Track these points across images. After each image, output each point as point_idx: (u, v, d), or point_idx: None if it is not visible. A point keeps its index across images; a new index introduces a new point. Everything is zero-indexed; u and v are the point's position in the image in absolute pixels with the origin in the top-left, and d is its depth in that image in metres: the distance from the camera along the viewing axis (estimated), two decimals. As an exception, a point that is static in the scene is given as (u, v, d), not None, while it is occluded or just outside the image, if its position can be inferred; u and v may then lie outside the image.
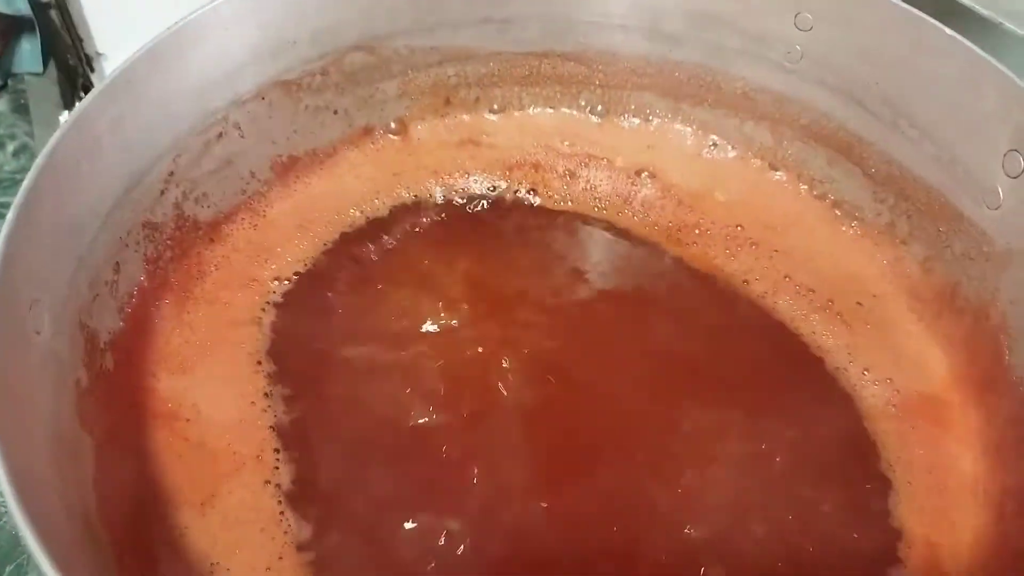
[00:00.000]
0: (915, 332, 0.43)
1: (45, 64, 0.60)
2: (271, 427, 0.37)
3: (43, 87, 0.61)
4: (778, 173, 0.49)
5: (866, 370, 0.42)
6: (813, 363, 0.42)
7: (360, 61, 0.45)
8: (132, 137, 0.37)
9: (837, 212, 0.48)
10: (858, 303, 0.44)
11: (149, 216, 0.39)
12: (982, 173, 0.40)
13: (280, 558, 0.34)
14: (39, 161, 0.31)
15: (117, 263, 0.37)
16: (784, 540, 0.36)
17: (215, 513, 0.35)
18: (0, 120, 0.59)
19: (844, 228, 0.47)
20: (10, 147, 0.58)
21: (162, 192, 0.39)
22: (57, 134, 0.32)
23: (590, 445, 0.38)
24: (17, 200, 0.30)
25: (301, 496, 0.35)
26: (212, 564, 0.33)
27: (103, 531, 0.31)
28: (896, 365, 0.42)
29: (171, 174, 0.39)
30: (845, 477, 0.38)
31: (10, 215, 0.30)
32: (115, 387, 0.36)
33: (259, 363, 0.39)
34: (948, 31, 0.39)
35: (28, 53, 0.60)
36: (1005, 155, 0.39)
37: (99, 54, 0.60)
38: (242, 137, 0.42)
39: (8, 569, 0.40)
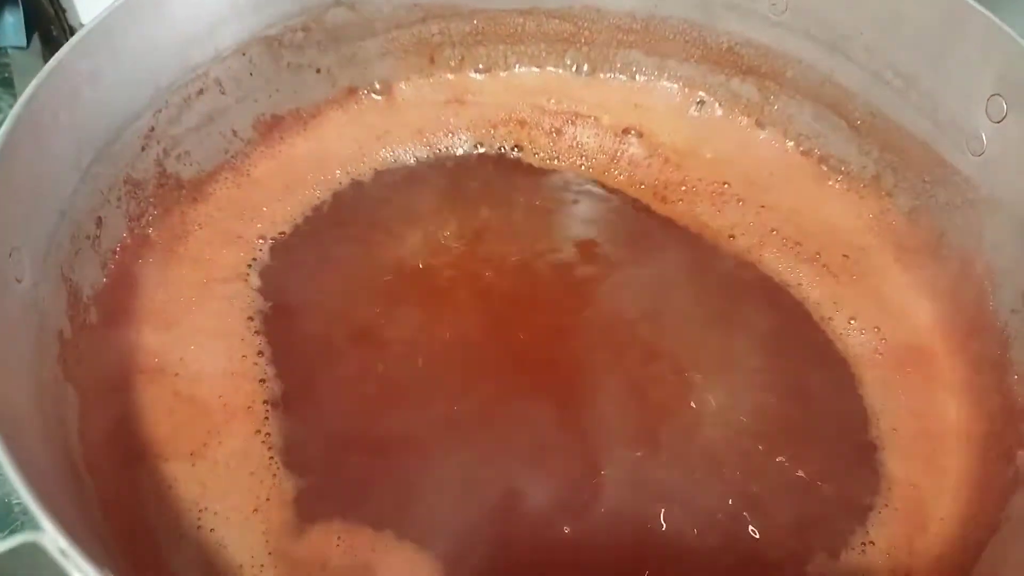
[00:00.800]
0: (901, 282, 0.43)
1: (29, 38, 0.60)
2: (260, 380, 0.37)
3: (27, 60, 0.60)
4: (764, 130, 0.49)
5: (852, 319, 0.42)
6: (800, 313, 0.42)
7: (342, 18, 0.45)
8: (111, 90, 0.36)
9: (823, 167, 0.48)
10: (844, 255, 0.44)
11: (130, 172, 0.39)
12: (965, 119, 0.40)
13: (267, 499, 0.34)
14: (16, 109, 0.31)
15: (99, 218, 0.37)
16: (769, 485, 0.36)
17: (205, 463, 0.35)
18: (-16, 94, 0.59)
19: (830, 183, 0.47)
20: (-6, 119, 0.58)
21: (143, 148, 0.39)
22: (34, 83, 0.32)
23: (574, 393, 0.38)
24: (-6, 147, 0.30)
25: (291, 444, 0.36)
26: (201, 509, 0.34)
27: (89, 478, 0.32)
28: (882, 314, 0.42)
29: (151, 129, 0.39)
30: (831, 424, 0.39)
31: (-12, 160, 0.30)
32: (99, 340, 0.36)
33: (250, 319, 0.39)
34: (929, -25, 0.39)
35: (11, 27, 0.59)
36: (988, 100, 0.38)
37: (82, 25, 0.59)
38: (223, 94, 0.42)
39: (2, 535, 0.40)
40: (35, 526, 0.38)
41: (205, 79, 0.41)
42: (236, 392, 0.37)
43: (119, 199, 0.38)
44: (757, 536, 0.35)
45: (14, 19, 0.59)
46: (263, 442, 0.35)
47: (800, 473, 0.37)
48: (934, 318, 0.42)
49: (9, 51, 0.60)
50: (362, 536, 0.33)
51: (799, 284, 0.43)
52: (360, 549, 0.33)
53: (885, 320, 0.42)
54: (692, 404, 0.38)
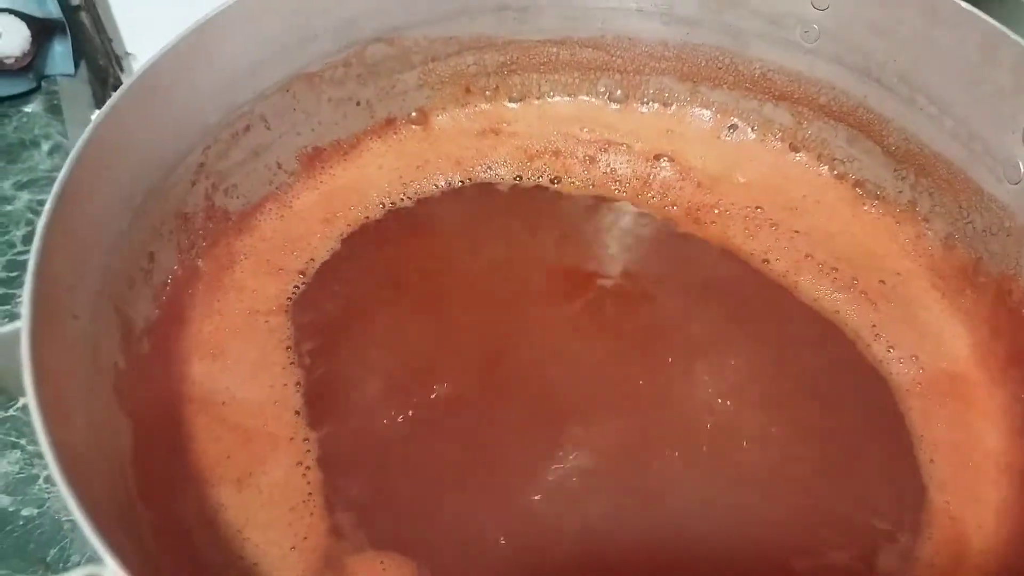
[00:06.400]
0: (939, 309, 0.43)
1: (76, 65, 0.62)
2: (297, 411, 0.38)
3: (75, 88, 0.62)
4: (798, 154, 0.49)
5: (891, 347, 0.42)
6: (841, 341, 0.42)
7: (381, 52, 0.46)
8: (162, 130, 0.38)
9: (858, 191, 0.48)
10: (881, 281, 0.44)
11: (181, 207, 0.40)
12: (1001, 148, 0.40)
13: (305, 538, 0.35)
14: (73, 154, 0.33)
15: (151, 252, 0.38)
16: (807, 515, 0.36)
17: (251, 490, 0.36)
18: (34, 121, 0.61)
19: (865, 207, 0.47)
20: (45, 147, 0.60)
21: (193, 183, 0.40)
22: (90, 128, 0.33)
23: (612, 416, 0.39)
24: (54, 191, 0.31)
25: (330, 477, 0.36)
26: (244, 539, 0.35)
27: (142, 506, 0.33)
28: (920, 342, 0.42)
29: (201, 165, 0.40)
30: (870, 453, 0.39)
31: (48, 205, 0.31)
32: (151, 371, 0.37)
33: (288, 348, 0.40)
34: (964, 4, 0.39)
35: (60, 55, 0.61)
36: (1024, 129, 0.38)
37: (128, 54, 0.61)
38: (268, 129, 0.43)
39: (52, 552, 0.41)
40: (83, 546, 0.40)
41: (251, 116, 0.42)
42: (279, 422, 0.38)
43: (170, 233, 0.40)
44: (790, 568, 0.35)
45: (63, 48, 0.61)
46: (303, 475, 0.36)
47: (837, 504, 0.37)
48: (972, 346, 0.41)
49: (58, 79, 0.62)
50: (406, 567, 0.34)
51: (837, 310, 0.43)
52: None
53: (923, 348, 0.41)
54: (727, 430, 0.38)
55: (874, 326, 0.42)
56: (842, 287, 0.44)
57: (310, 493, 0.36)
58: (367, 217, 0.46)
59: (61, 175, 0.32)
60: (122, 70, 0.62)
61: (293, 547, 0.35)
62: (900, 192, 0.46)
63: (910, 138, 0.44)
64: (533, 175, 0.48)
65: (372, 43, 0.45)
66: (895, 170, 0.46)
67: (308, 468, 0.37)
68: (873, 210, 0.47)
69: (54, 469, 0.26)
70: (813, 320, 0.43)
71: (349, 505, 0.36)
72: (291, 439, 0.37)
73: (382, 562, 0.34)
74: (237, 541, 0.34)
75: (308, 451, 0.37)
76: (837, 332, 0.42)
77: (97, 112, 0.35)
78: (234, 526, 0.35)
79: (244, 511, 0.35)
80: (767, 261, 0.45)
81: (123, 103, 0.35)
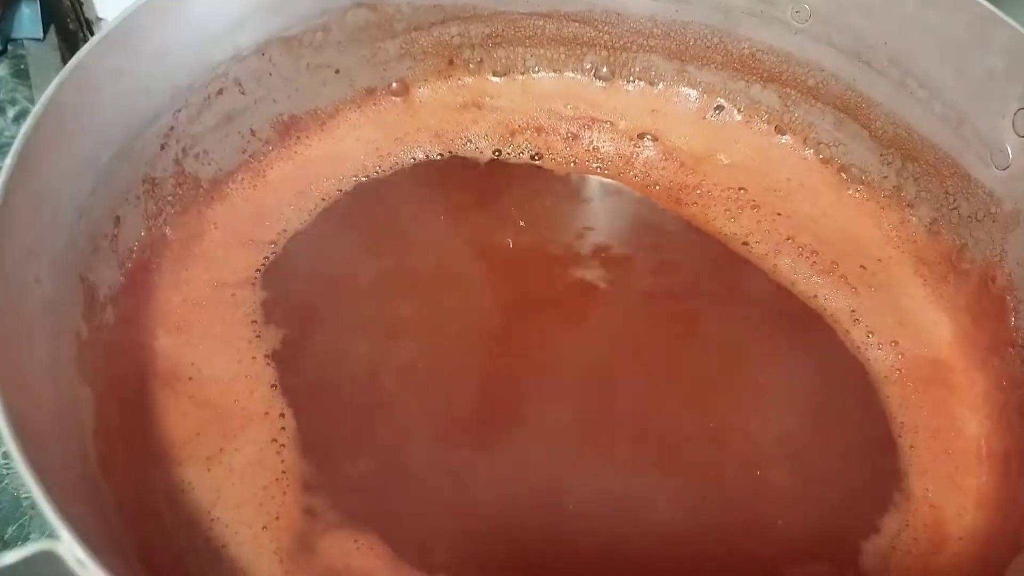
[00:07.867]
0: (920, 295, 0.43)
1: (45, 29, 0.60)
2: (273, 385, 0.37)
3: (43, 52, 0.61)
4: (784, 137, 0.49)
5: (870, 333, 0.41)
6: (819, 326, 0.41)
7: (362, 18, 0.45)
8: (131, 89, 0.36)
9: (843, 175, 0.47)
10: (862, 266, 0.44)
11: (149, 171, 0.38)
12: (991, 132, 0.39)
13: (277, 517, 0.34)
14: (37, 109, 0.31)
15: (117, 217, 0.37)
16: (786, 504, 0.36)
17: (221, 468, 0.35)
18: (0, 85, 0.59)
19: (850, 192, 0.47)
20: (11, 112, 0.58)
21: (162, 147, 0.39)
22: (55, 83, 0.32)
23: (590, 403, 0.38)
24: (15, 147, 0.30)
25: (304, 453, 0.35)
26: (213, 519, 0.33)
27: (105, 484, 0.31)
28: (901, 328, 0.41)
29: (171, 128, 0.39)
30: (848, 441, 0.38)
31: (8, 161, 0.29)
32: (115, 342, 0.36)
33: (254, 321, 0.39)
34: (957, -14, 0.39)
35: (28, 18, 0.60)
36: (1015, 113, 0.38)
37: (99, 18, 0.59)
38: (243, 94, 0.42)
39: (10, 530, 0.40)
40: (43, 524, 0.38)
41: (225, 79, 0.41)
42: (251, 397, 0.36)
43: (137, 198, 0.38)
44: (767, 555, 0.34)
45: (30, 11, 0.59)
46: (277, 453, 0.35)
47: (817, 492, 0.36)
48: (954, 333, 0.41)
49: (25, 43, 0.60)
50: (379, 547, 0.33)
51: (815, 295, 0.43)
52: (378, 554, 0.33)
53: (904, 334, 0.41)
54: (703, 416, 0.38)
55: (854, 311, 0.42)
56: (821, 271, 0.43)
57: (284, 471, 0.35)
58: (341, 189, 0.44)
59: (22, 132, 0.31)
60: (92, 35, 0.60)
61: (264, 527, 0.33)
62: (885, 177, 0.46)
63: (898, 122, 0.44)
64: (514, 151, 0.47)
65: (353, 8, 0.44)
66: (881, 155, 0.45)
67: (283, 446, 0.35)
68: (857, 195, 0.47)
69: (9, 439, 0.24)
70: (791, 304, 0.42)
71: (323, 484, 0.34)
72: (265, 414, 0.36)
73: (356, 541, 0.33)
74: (205, 522, 0.33)
75: (283, 428, 0.36)
76: (815, 317, 0.42)
77: (64, 68, 0.33)
78: (203, 506, 0.33)
79: (214, 490, 0.34)
80: (747, 244, 0.44)
81: (91, 59, 0.34)
